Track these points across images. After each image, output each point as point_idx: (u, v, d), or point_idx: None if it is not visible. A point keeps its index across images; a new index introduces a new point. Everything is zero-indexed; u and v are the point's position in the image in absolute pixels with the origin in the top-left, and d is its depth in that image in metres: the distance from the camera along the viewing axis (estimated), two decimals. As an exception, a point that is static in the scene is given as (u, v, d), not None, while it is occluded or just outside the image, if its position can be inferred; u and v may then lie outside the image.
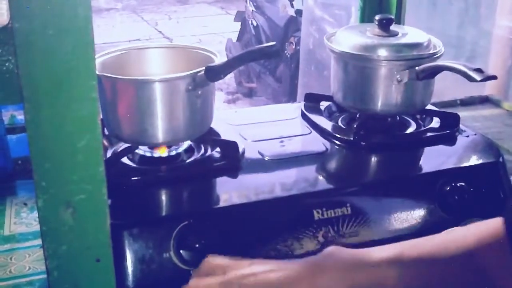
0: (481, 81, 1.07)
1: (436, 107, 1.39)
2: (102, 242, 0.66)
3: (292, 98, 4.12)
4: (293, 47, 4.32)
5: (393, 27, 1.28)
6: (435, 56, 1.22)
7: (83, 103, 0.59)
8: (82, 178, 0.62)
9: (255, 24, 4.90)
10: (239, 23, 5.34)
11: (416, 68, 1.19)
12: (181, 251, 0.96)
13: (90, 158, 0.61)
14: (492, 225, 0.82)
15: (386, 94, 1.23)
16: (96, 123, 0.60)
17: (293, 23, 4.41)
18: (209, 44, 6.44)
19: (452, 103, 1.86)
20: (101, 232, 0.66)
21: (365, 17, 1.56)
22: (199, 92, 1.08)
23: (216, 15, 7.83)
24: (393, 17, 1.29)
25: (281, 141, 1.24)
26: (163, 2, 8.37)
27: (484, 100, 1.93)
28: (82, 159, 0.61)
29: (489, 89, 2.10)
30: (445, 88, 1.77)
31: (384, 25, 1.27)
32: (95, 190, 0.63)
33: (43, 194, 0.61)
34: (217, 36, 6.71)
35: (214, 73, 1.05)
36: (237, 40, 5.31)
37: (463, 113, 1.71)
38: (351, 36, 1.28)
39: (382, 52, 1.22)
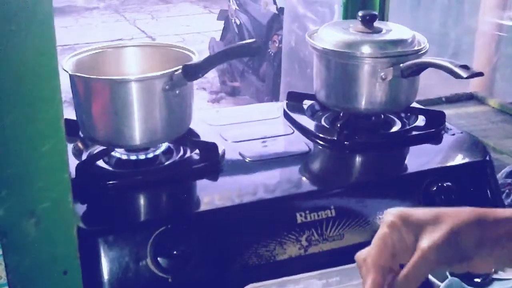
0: (467, 77, 1.04)
1: (421, 105, 1.36)
2: (69, 253, 0.62)
3: (275, 96, 4.08)
4: (276, 45, 4.28)
5: (376, 24, 1.25)
6: (419, 52, 1.19)
7: (46, 105, 0.55)
8: (46, 185, 0.58)
9: (238, 22, 4.85)
10: (222, 22, 5.29)
11: (401, 65, 1.16)
12: (158, 258, 0.92)
13: (54, 164, 0.57)
14: None
15: (370, 92, 1.20)
16: (60, 127, 0.56)
17: (276, 21, 4.37)
18: (192, 43, 6.39)
19: (437, 101, 1.84)
20: (68, 243, 0.62)
21: (348, 13, 1.52)
22: (177, 92, 1.04)
23: (199, 14, 7.77)
24: (376, 13, 1.26)
25: (263, 142, 1.21)
26: (145, 1, 8.29)
27: (469, 97, 1.90)
28: (46, 164, 0.57)
29: (474, 86, 2.08)
30: (430, 86, 1.74)
31: (368, 22, 1.23)
32: (60, 198, 0.59)
33: (4, 203, 0.57)
34: (201, 35, 6.65)
35: (192, 72, 1.01)
36: (220, 39, 5.27)
37: (448, 110, 1.68)
38: (333, 33, 1.24)
39: (366, 49, 1.18)
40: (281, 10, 4.19)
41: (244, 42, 1.01)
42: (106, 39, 6.36)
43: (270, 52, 4.37)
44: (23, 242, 0.59)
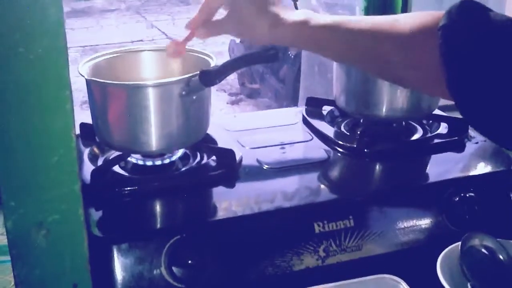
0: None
1: (443, 110, 1.32)
2: (80, 266, 0.61)
3: (295, 99, 4.05)
4: (297, 47, 4.25)
5: (398, 29, 1.22)
6: (442, 59, 1.16)
7: (56, 115, 0.54)
8: (55, 196, 0.56)
9: (258, 24, 4.83)
10: (243, 24, 5.27)
11: (423, 71, 1.13)
12: (173, 267, 0.90)
13: (64, 175, 0.56)
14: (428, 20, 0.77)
15: (391, 98, 1.17)
16: (70, 137, 0.55)
17: (297, 23, 4.34)
18: (212, 45, 6.38)
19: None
20: (78, 255, 0.60)
21: (369, 18, 1.49)
22: (194, 97, 1.03)
23: (220, 15, 7.77)
24: (398, 18, 1.23)
25: (281, 148, 1.19)
26: (166, 3, 8.31)
27: (493, 103, 1.86)
28: (55, 176, 0.55)
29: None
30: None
31: (389, 26, 1.20)
32: (71, 209, 0.57)
33: (12, 214, 0.55)
34: (221, 36, 6.64)
35: (209, 77, 1.00)
36: (240, 41, 5.25)
37: (471, 116, 1.63)
38: (354, 38, 1.22)
39: (387, 55, 1.16)
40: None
41: (260, 49, 0.99)
42: (127, 40, 6.38)
43: (290, 55, 4.34)
44: (32, 254, 0.58)
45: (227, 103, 5.10)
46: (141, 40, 6.55)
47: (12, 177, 0.55)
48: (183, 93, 1.01)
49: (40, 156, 0.55)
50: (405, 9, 1.47)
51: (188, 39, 1.04)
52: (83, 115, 1.17)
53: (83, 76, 1.03)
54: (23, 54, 0.51)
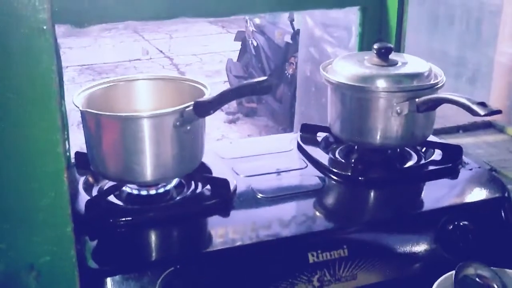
0: (485, 115, 1.02)
1: (438, 134, 1.33)
2: (71, 308, 0.60)
3: (291, 119, 4.06)
4: (294, 67, 4.27)
5: (392, 56, 1.22)
6: (436, 86, 1.17)
7: (47, 158, 0.54)
8: (46, 238, 0.56)
9: (255, 44, 4.86)
10: (240, 43, 5.30)
11: (417, 100, 1.13)
12: (166, 300, 0.90)
13: (55, 217, 0.56)
14: None
15: (385, 126, 1.18)
16: (62, 180, 0.55)
17: (294, 43, 4.37)
18: (210, 63, 6.41)
19: (454, 130, 1.80)
20: (70, 297, 0.60)
21: (364, 44, 1.50)
22: (188, 128, 1.03)
23: (217, 34, 7.80)
24: (392, 45, 1.23)
25: (275, 176, 1.19)
26: (163, 21, 8.34)
27: (488, 126, 1.86)
28: (46, 218, 0.56)
29: (492, 114, 2.03)
30: (446, 113, 1.71)
31: (383, 54, 1.21)
32: (62, 251, 0.57)
33: (3, 256, 0.55)
34: (218, 55, 6.67)
35: (203, 108, 1.00)
36: (237, 60, 5.27)
37: (465, 139, 1.64)
38: (348, 66, 1.22)
39: (381, 83, 1.16)
40: (297, 32, 4.18)
41: (254, 80, 1.00)
42: (124, 59, 6.40)
43: (287, 74, 4.35)
44: (23, 296, 0.58)
45: (225, 122, 5.10)
46: (139, 59, 6.57)
47: (2, 220, 0.55)
48: (177, 123, 1.01)
49: (30, 199, 0.55)
50: (399, 36, 1.47)
51: None
52: (80, 134, 1.16)
53: (78, 107, 1.04)
54: (14, 99, 0.52)
